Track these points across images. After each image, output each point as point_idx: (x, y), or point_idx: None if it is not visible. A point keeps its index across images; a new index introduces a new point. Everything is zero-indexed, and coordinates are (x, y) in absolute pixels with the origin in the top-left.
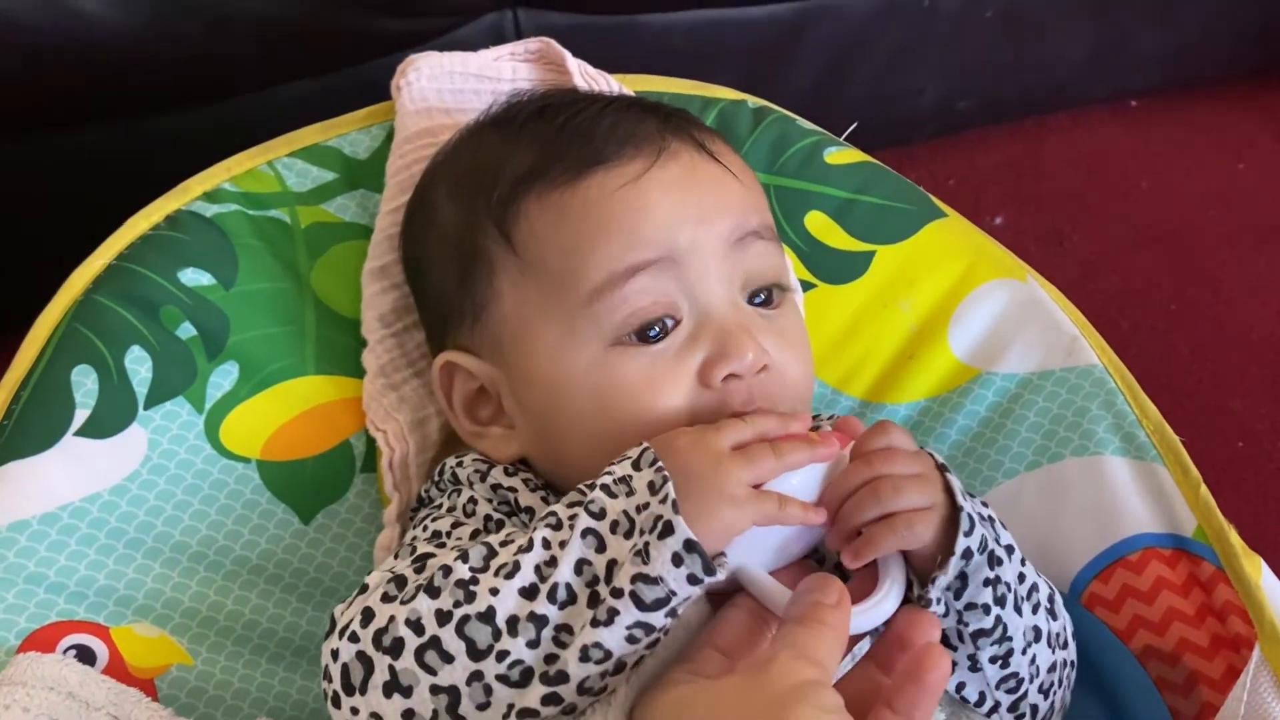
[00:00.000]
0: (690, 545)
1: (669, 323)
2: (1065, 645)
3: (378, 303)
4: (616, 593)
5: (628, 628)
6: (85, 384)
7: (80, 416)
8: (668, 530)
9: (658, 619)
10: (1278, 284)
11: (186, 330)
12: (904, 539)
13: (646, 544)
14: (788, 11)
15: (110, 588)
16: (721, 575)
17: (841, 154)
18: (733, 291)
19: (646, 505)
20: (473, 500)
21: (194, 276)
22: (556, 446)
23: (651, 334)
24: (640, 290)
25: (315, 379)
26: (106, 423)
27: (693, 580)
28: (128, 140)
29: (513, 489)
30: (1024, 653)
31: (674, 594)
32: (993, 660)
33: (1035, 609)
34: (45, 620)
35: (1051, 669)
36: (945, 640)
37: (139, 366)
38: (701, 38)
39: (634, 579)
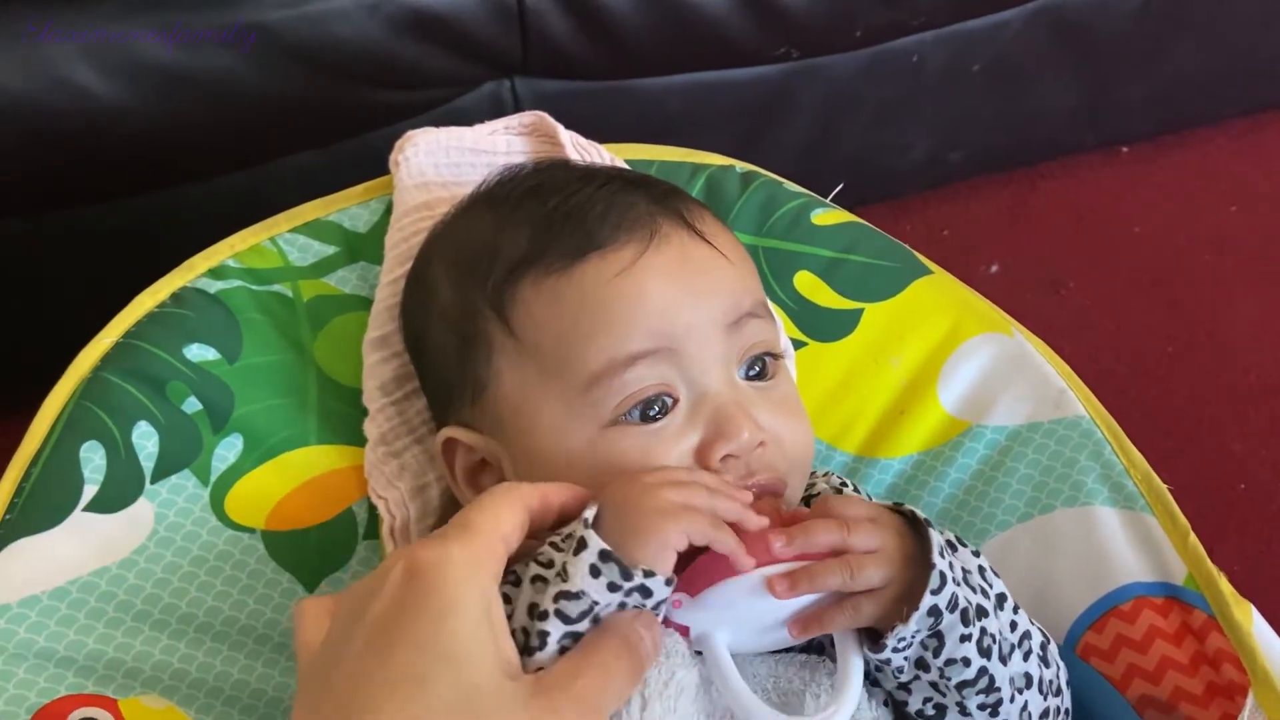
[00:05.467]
0: (605, 555)
1: (667, 401)
2: (1059, 693)
3: (378, 372)
4: (543, 615)
5: (559, 641)
6: (93, 460)
7: (89, 492)
8: (582, 545)
9: (584, 627)
10: (1273, 326)
11: (192, 405)
12: (851, 620)
13: (564, 564)
14: (777, 72)
15: (118, 660)
16: (640, 579)
17: (828, 215)
18: (729, 370)
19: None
20: None
21: (199, 352)
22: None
23: (650, 414)
24: (637, 377)
25: (318, 449)
26: (114, 497)
27: (613, 588)
28: (133, 216)
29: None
30: (1013, 700)
31: (596, 603)
32: (981, 708)
33: (1026, 656)
34: (55, 694)
35: (1044, 715)
36: (934, 687)
37: (146, 441)
38: (695, 100)
39: (556, 597)
